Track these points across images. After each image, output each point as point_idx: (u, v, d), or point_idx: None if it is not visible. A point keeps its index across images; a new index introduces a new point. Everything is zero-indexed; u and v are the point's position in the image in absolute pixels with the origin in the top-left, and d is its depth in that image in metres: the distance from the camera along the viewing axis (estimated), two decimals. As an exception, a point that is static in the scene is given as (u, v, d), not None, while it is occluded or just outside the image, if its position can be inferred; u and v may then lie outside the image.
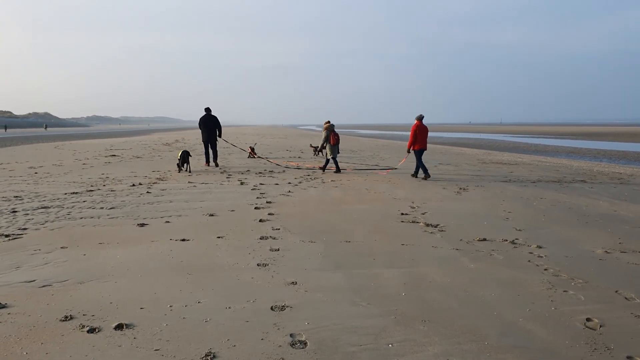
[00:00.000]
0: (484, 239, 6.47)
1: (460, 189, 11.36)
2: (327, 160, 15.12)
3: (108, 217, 7.78)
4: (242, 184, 11.92)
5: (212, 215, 7.93)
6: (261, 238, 6.39)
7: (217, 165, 16.49)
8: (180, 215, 7.94)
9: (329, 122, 14.99)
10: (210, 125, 16.14)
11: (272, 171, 14.98)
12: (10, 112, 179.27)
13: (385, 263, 5.33)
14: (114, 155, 21.18)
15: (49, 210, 8.35)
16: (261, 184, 11.90)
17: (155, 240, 6.31)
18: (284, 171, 15.06)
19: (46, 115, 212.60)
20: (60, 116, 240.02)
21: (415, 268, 5.18)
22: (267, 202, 9.19)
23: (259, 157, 20.04)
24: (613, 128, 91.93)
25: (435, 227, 7.21)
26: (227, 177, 13.22)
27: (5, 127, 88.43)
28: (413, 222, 7.55)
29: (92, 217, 7.75)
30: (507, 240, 6.43)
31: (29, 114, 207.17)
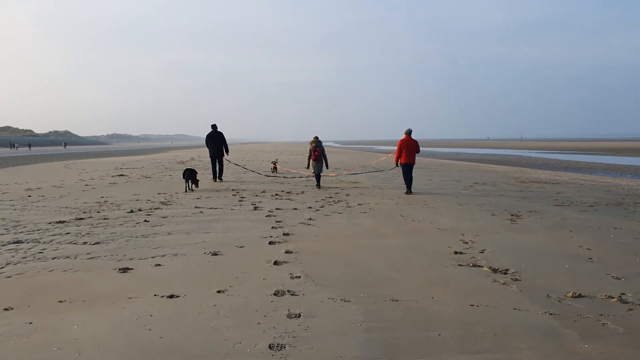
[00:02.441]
0: (579, 295, 4.74)
1: (512, 215, 9.60)
2: (316, 176, 14.97)
3: (87, 257, 6.24)
4: (255, 208, 10.34)
5: (215, 254, 6.33)
6: (276, 293, 4.75)
7: (221, 180, 16.79)
8: (176, 255, 6.36)
9: (315, 137, 15.11)
10: (216, 142, 16.55)
11: (289, 192, 13.39)
12: (31, 131, 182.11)
13: (457, 344, 3.62)
14: (122, 175, 19.84)
15: (21, 246, 6.86)
16: (277, 208, 10.30)
17: (135, 295, 4.72)
18: (303, 192, 13.46)
19: (66, 133, 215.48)
20: (80, 134, 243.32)
21: (506, 354, 3.48)
22: (283, 234, 7.57)
23: (276, 174, 20.28)
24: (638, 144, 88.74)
25: (506, 273, 5.50)
26: (239, 201, 11.66)
27: (30, 145, 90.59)
28: (474, 265, 5.84)
29: (67, 257, 6.22)
30: (611, 297, 4.68)
31: (50, 132, 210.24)
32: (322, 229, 8.12)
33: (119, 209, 10.36)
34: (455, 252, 6.41)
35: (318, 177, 14.95)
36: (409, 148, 13.40)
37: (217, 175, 16.71)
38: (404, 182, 13.56)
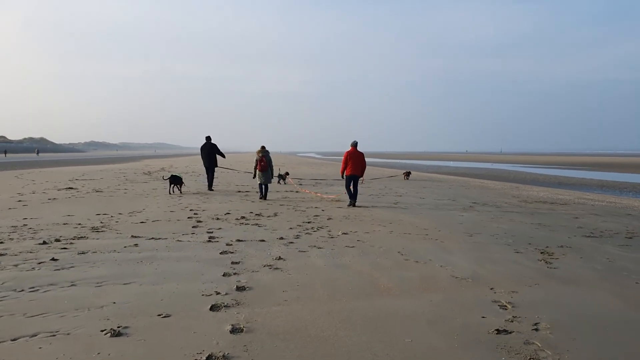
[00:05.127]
0: None
1: (542, 252, 7.42)
2: (260, 187, 14.54)
3: None
4: (210, 239, 7.95)
5: (116, 335, 3.94)
6: None
7: (211, 190, 16.94)
8: (55, 333, 3.97)
9: (262, 147, 14.86)
10: (208, 153, 17.09)
11: (259, 215, 11.02)
12: (4, 137, 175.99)
13: None
14: (71, 189, 17.22)
15: None
16: (239, 240, 7.92)
17: None
18: (275, 214, 11.11)
19: (42, 140, 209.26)
20: (57, 141, 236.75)
21: None
22: (237, 289, 5.21)
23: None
24: (624, 159, 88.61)
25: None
26: (193, 227, 9.25)
27: (5, 152, 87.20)
28: (532, 358, 3.59)
29: None
30: None
31: (24, 139, 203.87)
32: (294, 276, 5.78)
33: (32, 238, 7.89)
34: (497, 332, 4.13)
35: (263, 187, 14.51)
36: (355, 160, 13.32)
37: (208, 184, 17.13)
38: (348, 193, 13.31)
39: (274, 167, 15.20)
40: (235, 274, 5.83)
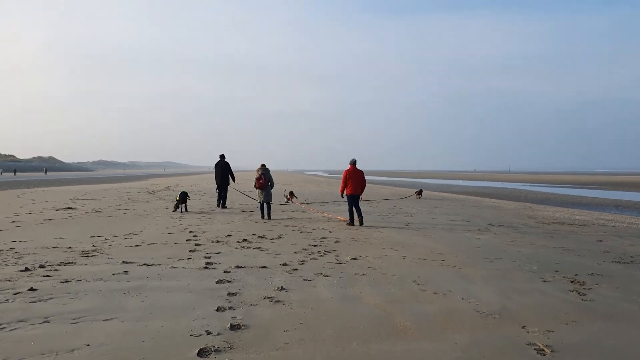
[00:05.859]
0: None
1: (572, 281, 6.69)
2: (261, 206, 14.24)
3: None
4: (207, 266, 7.30)
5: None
6: None
7: (225, 207, 17.09)
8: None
9: (262, 165, 14.62)
10: (222, 170, 17.41)
11: (262, 237, 10.37)
12: (13, 156, 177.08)
13: None
14: (70, 208, 16.69)
15: None
16: (238, 266, 7.27)
17: None
18: (280, 237, 10.45)
19: (50, 159, 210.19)
20: (65, 160, 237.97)
21: None
22: (231, 328, 4.54)
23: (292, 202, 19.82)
24: (636, 178, 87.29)
25: None
26: (191, 250, 8.61)
27: (15, 171, 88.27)
28: None
29: None
30: None
31: (33, 157, 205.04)
32: (297, 311, 5.10)
33: (15, 264, 7.29)
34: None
35: (264, 206, 14.16)
36: (355, 178, 13.06)
37: (222, 202, 17.21)
38: (350, 213, 13.08)
39: (275, 184, 14.92)
40: (230, 308, 5.17)
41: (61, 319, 4.76)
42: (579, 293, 6.07)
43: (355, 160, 13.32)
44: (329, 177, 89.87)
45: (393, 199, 24.74)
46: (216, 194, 17.80)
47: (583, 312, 5.27)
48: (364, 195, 14.96)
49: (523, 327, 4.71)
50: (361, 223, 12.82)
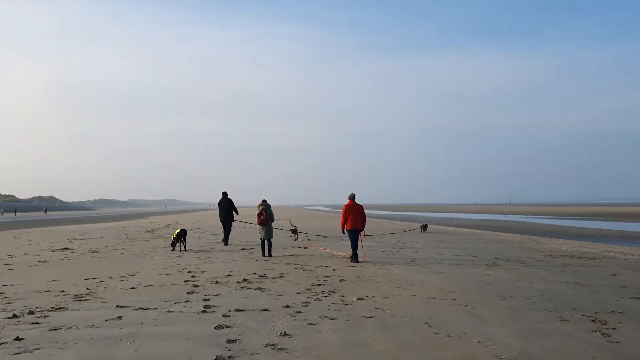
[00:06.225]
0: None
1: (593, 320, 6.30)
2: (262, 243, 13.83)
3: None
4: (205, 310, 6.91)
5: None
6: None
7: (226, 244, 17.08)
8: None
9: (263, 200, 14.31)
10: (225, 207, 17.57)
11: (263, 276, 9.98)
12: (13, 196, 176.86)
13: None
14: (66, 249, 16.30)
15: None
16: (238, 309, 6.88)
17: None
18: (281, 276, 10.06)
19: (50, 198, 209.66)
20: (65, 199, 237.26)
21: None
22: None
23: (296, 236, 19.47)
24: (637, 208, 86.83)
25: None
26: (188, 292, 8.22)
27: (15, 211, 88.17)
28: None
29: None
30: None
31: (33, 197, 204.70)
32: (302, 360, 4.72)
33: (3, 310, 6.92)
34: None
35: (266, 243, 13.74)
36: (355, 213, 12.82)
37: (224, 238, 17.30)
38: (354, 249, 12.66)
39: (274, 219, 14.51)
40: (230, 357, 4.79)
41: (45, 373, 4.37)
42: (602, 334, 5.68)
43: (355, 195, 13.07)
44: (329, 212, 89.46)
45: (397, 233, 24.34)
46: (220, 231, 18.01)
47: (612, 356, 4.88)
48: (366, 231, 14.56)
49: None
50: (355, 260, 12.43)
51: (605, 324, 6.14)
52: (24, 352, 4.98)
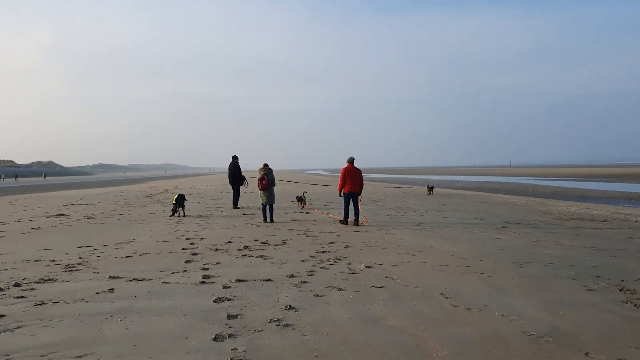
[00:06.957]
0: None
1: (623, 291, 5.84)
2: (263, 209, 13.35)
3: None
4: (204, 280, 6.46)
5: None
6: None
7: (237, 208, 17.18)
8: None
9: (265, 164, 13.77)
10: (233, 171, 17.57)
11: (265, 243, 9.54)
12: (12, 161, 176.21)
13: None
14: (61, 215, 15.85)
15: None
16: (239, 280, 6.43)
17: None
18: (284, 242, 9.62)
19: (50, 164, 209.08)
20: (65, 164, 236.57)
21: None
22: (232, 367, 3.72)
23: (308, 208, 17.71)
24: (636, 169, 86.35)
25: None
26: (186, 261, 7.77)
27: (16, 176, 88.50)
28: None
29: None
30: None
31: (32, 163, 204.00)
32: (310, 338, 4.26)
33: (-14, 282, 6.45)
34: None
35: (266, 208, 13.32)
36: (353, 177, 12.66)
37: (234, 202, 17.44)
38: (346, 212, 12.65)
39: (276, 184, 13.88)
40: (231, 335, 4.33)
41: (24, 356, 3.92)
42: (635, 305, 5.23)
43: (353, 158, 12.89)
44: (330, 176, 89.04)
45: (398, 196, 23.89)
46: (220, 196, 17.87)
47: (650, 330, 4.43)
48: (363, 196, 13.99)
49: (587, 354, 3.88)
50: (356, 224, 12.33)
51: (635, 294, 5.69)
52: (5, 332, 4.52)
